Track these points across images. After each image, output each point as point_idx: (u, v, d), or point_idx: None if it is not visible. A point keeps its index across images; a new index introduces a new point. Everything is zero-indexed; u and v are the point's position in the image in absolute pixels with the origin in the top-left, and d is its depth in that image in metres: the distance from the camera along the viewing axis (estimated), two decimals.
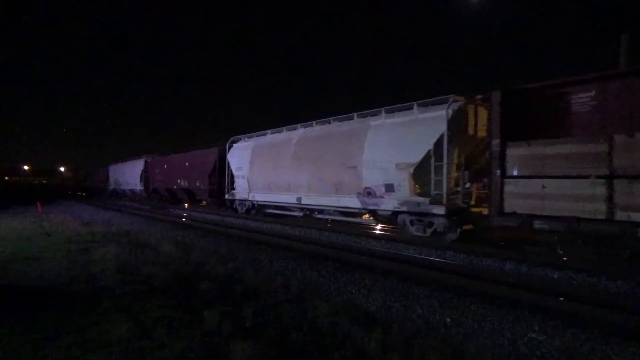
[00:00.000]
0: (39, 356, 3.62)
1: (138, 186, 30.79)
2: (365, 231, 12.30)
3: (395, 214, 10.92)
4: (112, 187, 38.08)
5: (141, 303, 5.08)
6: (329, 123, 13.86)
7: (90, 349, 3.73)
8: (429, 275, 6.92)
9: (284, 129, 15.85)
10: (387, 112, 11.82)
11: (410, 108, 11.06)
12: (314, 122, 14.56)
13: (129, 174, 33.42)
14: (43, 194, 44.08)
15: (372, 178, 11.36)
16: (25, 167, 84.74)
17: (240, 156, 17.31)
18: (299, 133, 14.73)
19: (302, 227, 13.56)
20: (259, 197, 16.26)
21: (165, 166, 26.66)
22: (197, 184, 21.98)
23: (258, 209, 16.85)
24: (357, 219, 12.85)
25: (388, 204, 10.99)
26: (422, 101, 10.81)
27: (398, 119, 11.25)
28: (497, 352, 4.07)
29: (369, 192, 11.50)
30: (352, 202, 12.10)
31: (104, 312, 4.69)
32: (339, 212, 12.93)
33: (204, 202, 23.02)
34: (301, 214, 14.57)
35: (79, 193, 50.26)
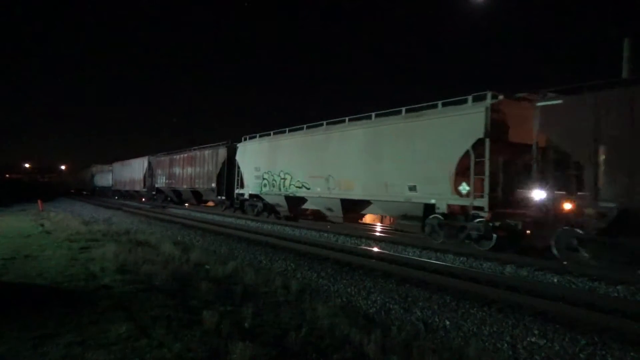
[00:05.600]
0: (39, 354, 3.61)
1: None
2: (365, 233, 12.29)
3: None
4: (245, 191, 18.34)
5: (140, 302, 5.07)
6: None
7: (89, 347, 3.72)
8: (428, 277, 6.91)
9: None
10: None
11: None
12: None
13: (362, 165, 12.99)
14: (48, 192, 44.01)
15: None
16: (27, 165, 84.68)
17: None
18: None
19: (303, 228, 13.57)
20: None
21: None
22: None
23: None
24: None
25: None
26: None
27: None
28: (496, 355, 4.06)
29: None
30: None
31: (103, 311, 4.68)
32: None
33: None
34: None
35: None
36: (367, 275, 7.08)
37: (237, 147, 18.82)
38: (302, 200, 15.30)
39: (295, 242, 10.77)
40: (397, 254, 9.24)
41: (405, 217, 11.43)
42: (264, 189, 16.88)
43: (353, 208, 13.39)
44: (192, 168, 22.64)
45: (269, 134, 17.20)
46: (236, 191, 18.97)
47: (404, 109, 11.52)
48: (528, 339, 4.33)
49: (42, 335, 3.98)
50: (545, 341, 4.26)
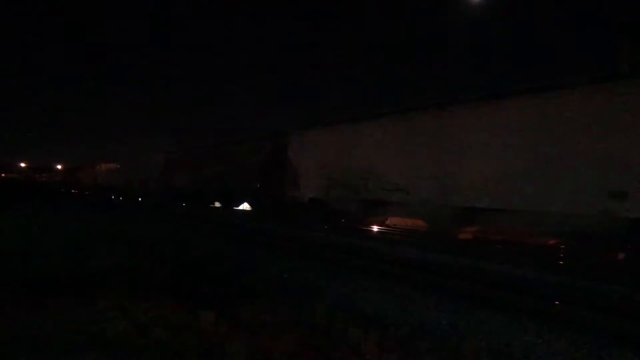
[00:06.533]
0: (36, 354, 3.60)
1: None
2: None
3: None
4: (301, 193, 14.95)
5: (137, 301, 5.06)
6: None
7: (86, 347, 3.71)
8: (425, 276, 6.93)
9: None
10: None
11: None
12: None
13: None
14: (47, 192, 43.66)
15: None
16: (22, 164, 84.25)
17: None
18: None
19: (299, 227, 13.56)
20: None
21: None
22: None
23: None
24: None
25: None
26: None
27: None
28: (492, 354, 4.07)
29: None
30: None
31: (100, 310, 4.67)
32: None
33: None
34: None
35: None
36: (364, 274, 7.09)
37: (290, 139, 15.02)
38: (392, 206, 11.59)
39: (292, 242, 10.77)
40: (394, 253, 9.25)
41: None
42: (332, 192, 12.90)
43: (482, 219, 9.47)
44: (225, 165, 19.00)
45: (342, 120, 13.25)
46: (288, 194, 15.04)
47: None
48: (524, 338, 4.34)
49: (39, 334, 3.96)
50: (541, 341, 4.27)
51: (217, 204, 21.51)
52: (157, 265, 6.69)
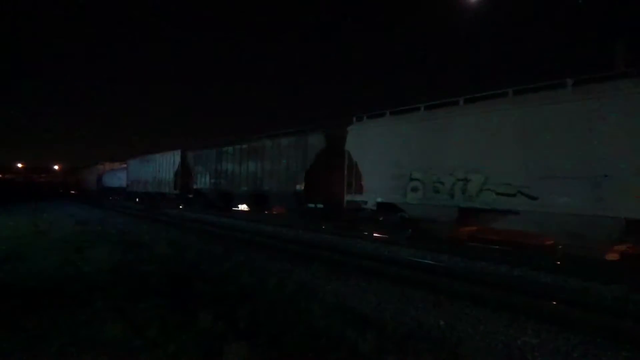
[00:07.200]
0: (32, 355, 3.60)
1: None
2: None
3: None
4: (366, 197, 12.13)
5: (135, 303, 5.05)
6: None
7: (83, 348, 3.71)
8: (423, 277, 6.94)
9: None
10: None
11: None
12: None
13: None
14: (45, 193, 43.39)
15: None
16: (20, 165, 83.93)
17: None
18: None
19: (299, 228, 13.56)
20: None
21: None
22: None
23: None
24: None
25: None
26: None
27: None
28: (490, 354, 4.08)
29: None
30: None
31: (97, 312, 4.67)
32: None
33: None
34: None
35: None
36: (361, 275, 7.09)
37: (349, 132, 12.60)
38: (508, 216, 8.69)
39: (291, 242, 10.77)
40: (392, 254, 9.26)
41: None
42: (411, 196, 10.63)
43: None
44: (258, 164, 16.99)
45: (418, 109, 10.77)
46: (346, 198, 12.63)
47: None
48: (521, 338, 4.35)
49: (35, 336, 3.96)
50: (538, 340, 4.28)
51: (245, 207, 19.33)
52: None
